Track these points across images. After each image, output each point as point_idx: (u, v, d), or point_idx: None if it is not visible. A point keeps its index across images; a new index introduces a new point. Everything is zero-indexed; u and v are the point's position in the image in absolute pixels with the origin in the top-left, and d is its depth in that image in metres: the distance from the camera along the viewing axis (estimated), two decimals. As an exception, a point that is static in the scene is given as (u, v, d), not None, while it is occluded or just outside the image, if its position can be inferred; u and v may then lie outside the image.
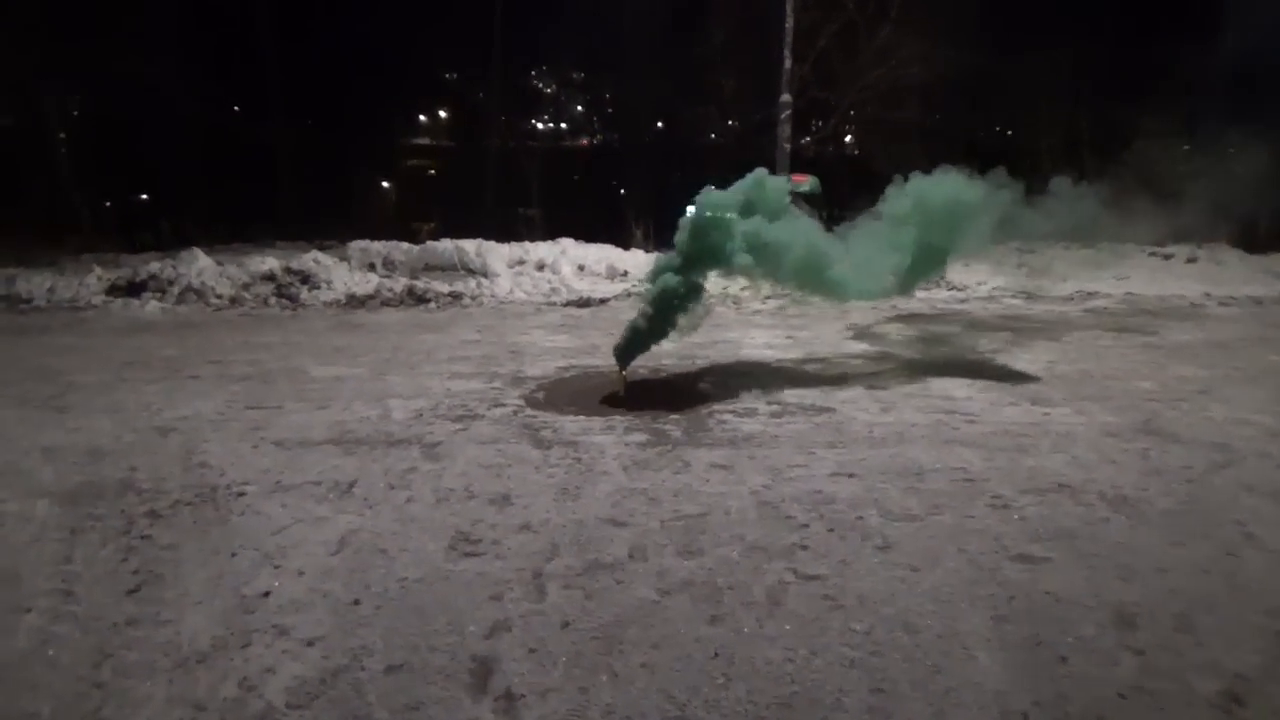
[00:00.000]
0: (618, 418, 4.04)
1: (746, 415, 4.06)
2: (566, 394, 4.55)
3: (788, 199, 4.74)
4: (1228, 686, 1.88)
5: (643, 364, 4.98)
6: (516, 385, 4.76)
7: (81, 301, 8.22)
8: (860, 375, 5.01)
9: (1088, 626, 2.14)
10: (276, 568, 2.43)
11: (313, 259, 9.09)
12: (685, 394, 4.53)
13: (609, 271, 9.55)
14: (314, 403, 4.36)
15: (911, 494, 3.03)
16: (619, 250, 10.27)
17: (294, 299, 8.41)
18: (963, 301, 8.46)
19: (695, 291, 4.54)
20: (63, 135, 12.88)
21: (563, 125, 21.89)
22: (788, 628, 2.10)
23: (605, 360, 5.24)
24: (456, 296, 8.55)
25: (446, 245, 9.60)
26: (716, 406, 4.23)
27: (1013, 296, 8.81)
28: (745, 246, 4.35)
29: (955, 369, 5.18)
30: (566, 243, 10.11)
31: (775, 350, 5.92)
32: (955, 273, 9.21)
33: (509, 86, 18.26)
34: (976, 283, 8.83)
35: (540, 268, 9.51)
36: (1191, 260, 10.27)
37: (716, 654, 1.98)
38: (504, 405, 4.29)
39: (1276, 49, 11.02)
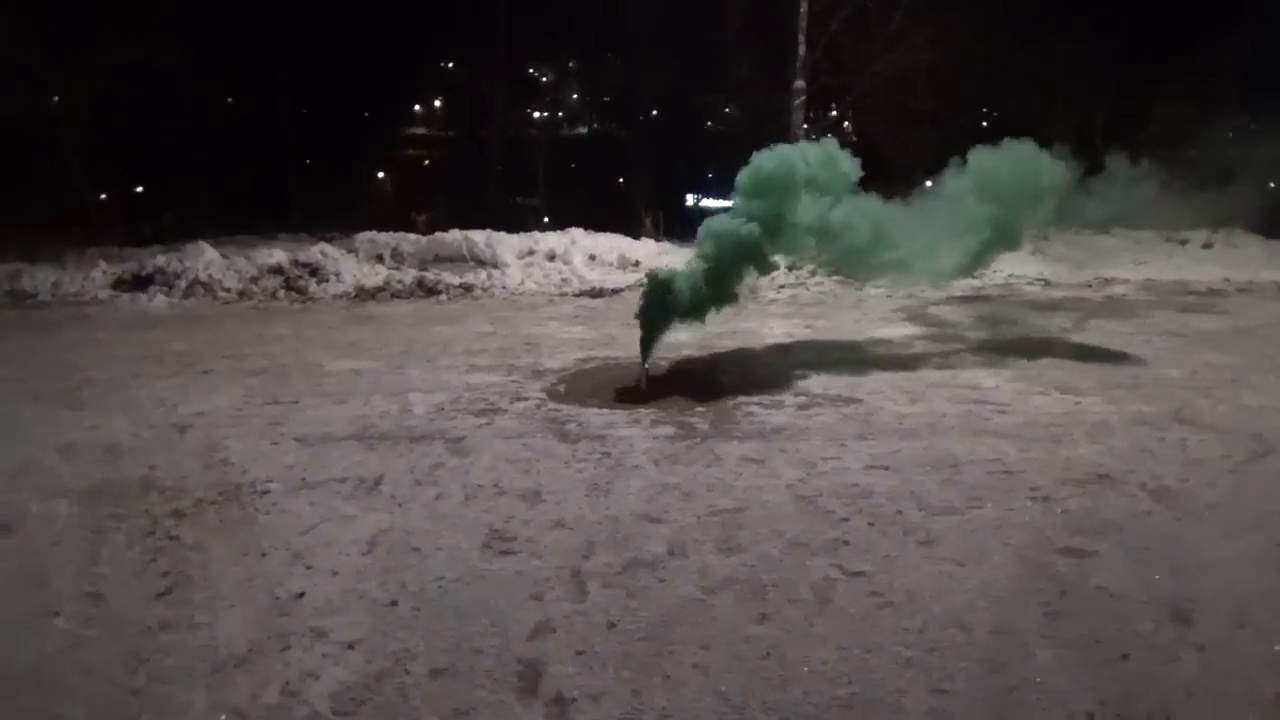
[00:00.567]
0: (642, 410, 3.98)
1: (774, 407, 4.00)
2: (588, 386, 4.48)
3: (855, 176, 4.57)
4: (1297, 685, 1.82)
5: (663, 355, 4.91)
6: (536, 378, 4.69)
7: (87, 296, 8.13)
8: (884, 364, 4.94)
9: (1144, 622, 2.08)
10: (309, 568, 2.38)
11: (320, 251, 8.99)
12: (709, 385, 4.46)
13: (620, 261, 9.43)
14: (332, 397, 4.30)
15: (949, 486, 2.97)
16: (629, 240, 10.14)
17: (303, 292, 8.32)
18: (979, 289, 8.36)
19: (764, 252, 4.28)
20: (70, 127, 12.73)
21: (559, 114, 21.69)
22: (838, 626, 2.05)
23: (624, 351, 5.17)
24: (467, 288, 8.46)
25: (455, 236, 9.49)
26: (742, 398, 4.16)
27: (1029, 284, 8.71)
28: (810, 229, 4.21)
29: (980, 358, 5.11)
30: (576, 233, 9.97)
31: (795, 339, 5.86)
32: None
33: (514, 74, 18.05)
34: (992, 270, 8.69)
35: (551, 258, 9.40)
36: (1207, 246, 10.15)
37: (769, 654, 1.93)
38: (526, 399, 4.22)
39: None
